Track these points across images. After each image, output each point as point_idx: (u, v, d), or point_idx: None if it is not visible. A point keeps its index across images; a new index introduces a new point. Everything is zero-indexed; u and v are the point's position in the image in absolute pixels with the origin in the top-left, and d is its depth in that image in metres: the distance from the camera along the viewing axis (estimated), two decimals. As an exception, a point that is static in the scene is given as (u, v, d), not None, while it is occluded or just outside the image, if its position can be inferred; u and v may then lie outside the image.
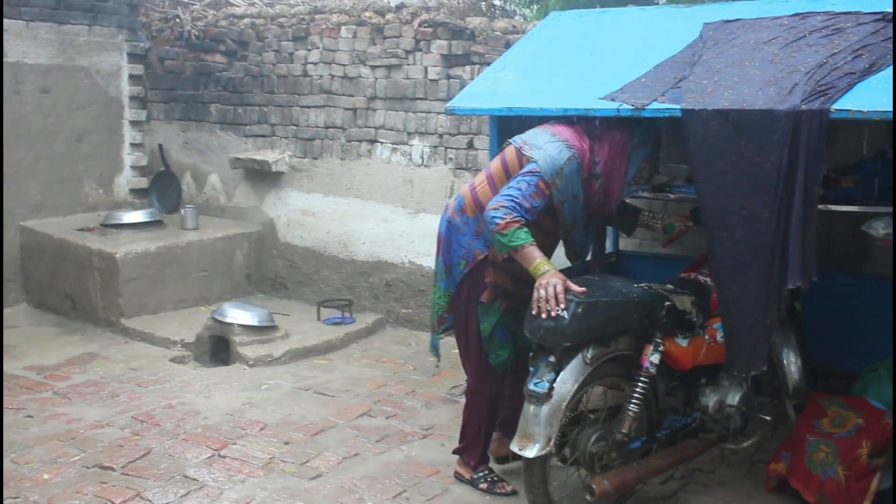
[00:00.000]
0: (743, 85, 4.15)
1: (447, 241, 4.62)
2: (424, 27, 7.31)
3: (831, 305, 5.24)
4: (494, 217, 4.09)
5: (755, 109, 3.93)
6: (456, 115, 6.59)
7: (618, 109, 4.29)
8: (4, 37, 7.93)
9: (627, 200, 5.10)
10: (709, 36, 4.76)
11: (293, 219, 8.34)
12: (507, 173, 4.36)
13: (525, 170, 4.22)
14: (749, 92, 4.07)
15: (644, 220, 5.00)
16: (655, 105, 4.23)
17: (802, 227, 3.87)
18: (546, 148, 4.25)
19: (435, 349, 4.98)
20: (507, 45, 6.72)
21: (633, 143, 4.39)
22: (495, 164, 4.49)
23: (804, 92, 3.96)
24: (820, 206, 4.10)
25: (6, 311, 7.95)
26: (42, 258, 8.04)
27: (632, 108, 4.26)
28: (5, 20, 7.92)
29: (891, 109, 3.66)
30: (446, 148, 7.32)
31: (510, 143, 4.43)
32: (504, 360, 4.62)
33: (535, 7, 11.78)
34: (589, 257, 5.24)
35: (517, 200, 4.11)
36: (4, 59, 7.93)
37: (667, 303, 4.23)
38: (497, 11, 11.10)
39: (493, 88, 5.00)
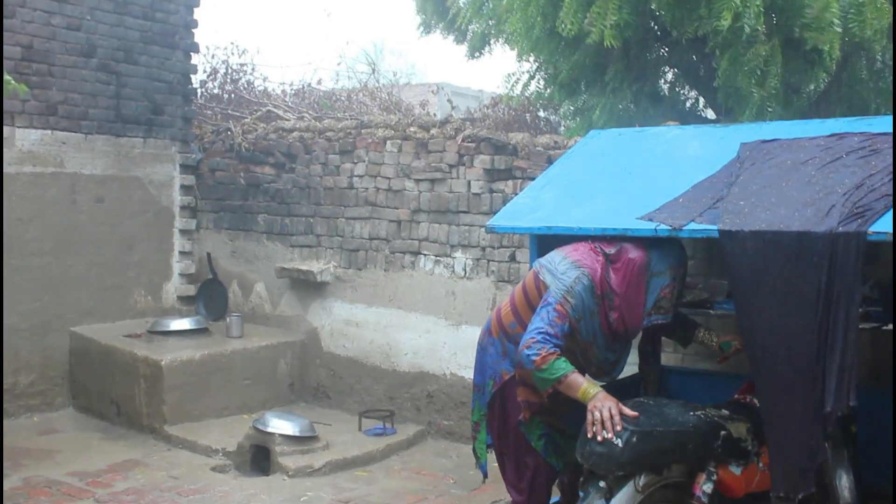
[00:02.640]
0: (780, 206, 4.19)
1: (478, 361, 4.71)
2: (468, 142, 7.47)
3: (882, 422, 5.15)
4: (530, 356, 4.13)
5: (792, 231, 3.96)
6: (496, 233, 6.67)
7: (655, 230, 4.34)
8: (63, 149, 8.22)
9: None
10: (746, 156, 4.83)
11: (337, 328, 8.42)
12: (527, 297, 4.46)
13: (543, 299, 4.30)
14: (786, 213, 4.11)
15: (700, 337, 5.00)
16: (693, 225, 4.28)
17: (842, 349, 3.86)
18: (557, 271, 4.34)
19: (482, 470, 4.99)
20: (549, 160, 6.84)
21: (652, 271, 4.38)
22: (518, 287, 4.60)
23: (841, 214, 4.00)
24: (865, 325, 4.09)
25: (53, 415, 8.08)
26: (89, 363, 8.18)
27: (669, 228, 4.31)
28: (65, 133, 8.23)
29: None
30: (489, 261, 7.40)
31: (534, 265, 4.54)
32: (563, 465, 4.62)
33: (579, 119, 11.95)
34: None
35: (545, 331, 4.15)
36: (63, 170, 8.22)
37: (722, 432, 4.19)
38: (541, 123, 11.31)
39: (533, 206, 5.08)
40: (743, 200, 4.35)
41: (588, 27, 7.33)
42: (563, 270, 4.33)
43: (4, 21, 7.75)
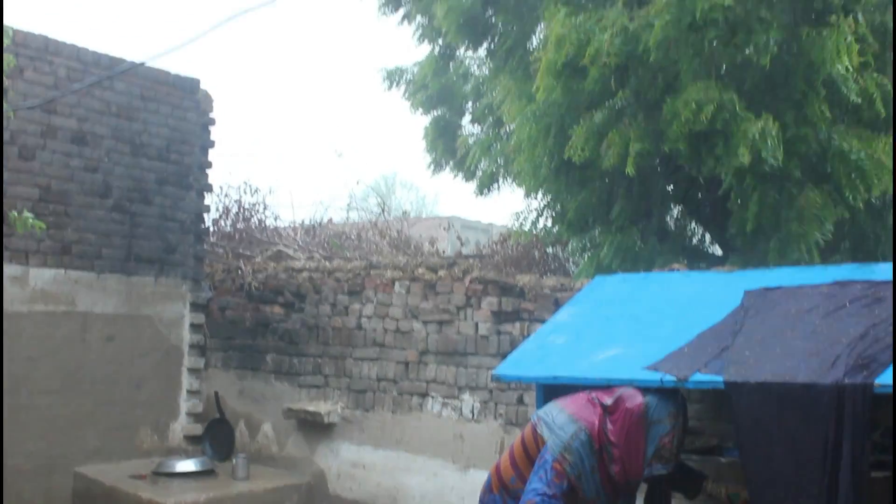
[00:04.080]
0: (785, 357, 4.20)
1: None
2: (475, 284, 7.52)
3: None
4: None
5: (798, 383, 3.96)
6: (503, 381, 6.66)
7: (661, 380, 4.34)
8: (76, 288, 8.30)
9: (691, 465, 5.04)
10: (750, 304, 4.86)
11: (344, 470, 8.33)
12: (526, 451, 4.45)
13: (540, 455, 4.27)
14: (791, 364, 4.11)
15: (708, 488, 4.92)
16: (698, 376, 4.28)
17: (851, 502, 3.80)
18: (554, 425, 4.32)
19: None
20: (557, 303, 6.87)
21: (651, 419, 4.32)
22: (517, 440, 4.57)
23: (846, 365, 4.00)
24: (878, 474, 4.04)
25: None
26: (93, 506, 8.07)
27: (675, 379, 4.31)
28: (78, 272, 8.32)
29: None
30: (496, 403, 7.36)
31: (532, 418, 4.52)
32: None
33: (587, 256, 12.05)
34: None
35: (543, 492, 4.13)
36: (74, 309, 8.29)
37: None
38: (550, 259, 11.41)
39: (539, 354, 5.10)
40: (748, 350, 4.36)
41: (604, 152, 7.47)
42: (561, 425, 4.31)
43: (25, 163, 7.94)
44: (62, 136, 8.25)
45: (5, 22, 7.16)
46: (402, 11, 11.49)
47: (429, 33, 11.54)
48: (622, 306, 5.42)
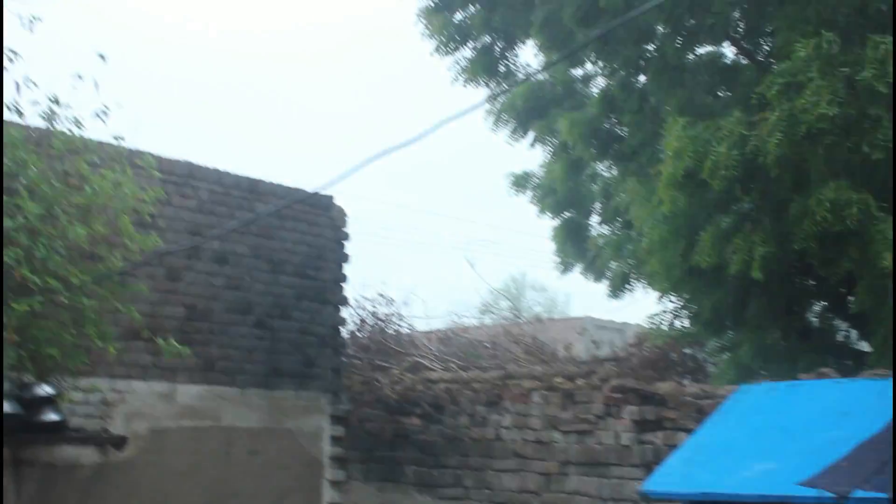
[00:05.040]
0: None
1: None
2: (615, 393, 7.41)
3: None
4: None
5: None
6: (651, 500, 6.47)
7: (819, 497, 4.15)
8: (220, 403, 8.50)
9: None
10: (911, 413, 4.63)
11: (486, 584, 8.20)
12: None
13: None
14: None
15: None
16: (860, 493, 4.08)
17: None
18: None
19: None
20: (699, 411, 6.71)
21: None
22: None
23: None
24: None
25: None
26: None
27: (834, 495, 4.12)
28: (222, 387, 8.53)
29: None
30: (642, 514, 7.16)
31: None
32: None
33: (726, 356, 11.74)
34: None
35: None
36: (219, 424, 8.46)
37: None
38: (688, 360, 11.14)
39: (686, 469, 4.96)
40: (911, 464, 4.14)
41: (729, 258, 7.35)
42: None
43: (172, 283, 8.25)
44: (206, 256, 8.55)
45: (153, 150, 7.58)
46: (530, 136, 11.74)
47: (557, 148, 11.71)
48: (770, 417, 5.24)
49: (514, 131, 11.91)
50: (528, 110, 11.75)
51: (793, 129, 6.79)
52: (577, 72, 11.86)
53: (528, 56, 11.76)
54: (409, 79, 66.95)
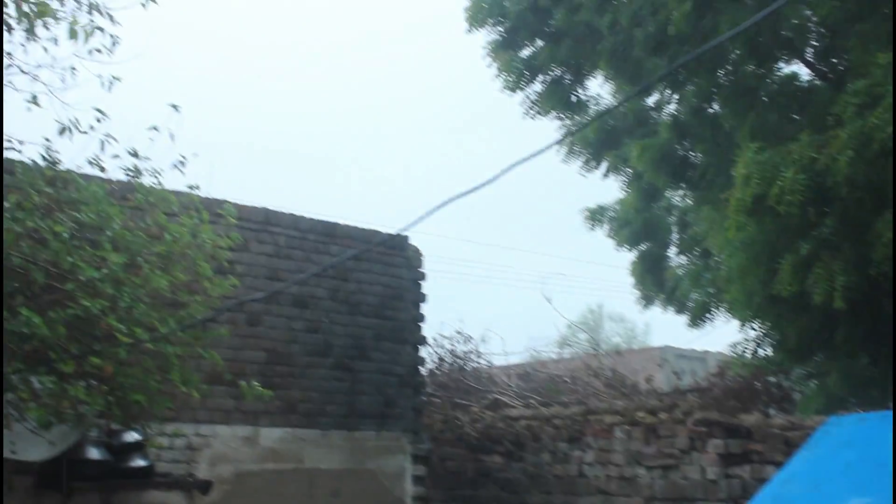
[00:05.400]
0: None
1: None
2: (699, 426, 7.28)
3: None
4: None
5: None
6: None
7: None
8: (302, 445, 8.56)
9: None
10: None
11: None
12: None
13: None
14: None
15: None
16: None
17: None
18: None
19: None
20: (787, 443, 6.56)
21: None
22: None
23: None
24: None
25: None
26: None
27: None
28: (304, 430, 8.59)
29: None
30: (733, 553, 7.01)
31: None
32: None
33: (813, 384, 11.47)
34: None
35: None
36: (301, 465, 8.52)
37: None
38: (773, 388, 10.90)
39: (776, 505, 4.83)
40: None
41: (811, 287, 7.19)
42: None
43: (252, 328, 8.36)
44: (284, 300, 8.66)
45: (232, 199, 7.72)
46: (604, 166, 11.68)
47: (630, 178, 11.64)
48: (863, 450, 5.07)
49: (586, 162, 11.88)
50: (600, 141, 11.72)
51: (865, 146, 6.64)
52: (649, 98, 11.80)
53: (598, 85, 11.72)
54: (477, 110, 67.34)
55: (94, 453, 6.39)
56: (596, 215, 12.83)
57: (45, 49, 5.84)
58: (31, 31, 5.64)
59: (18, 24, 5.57)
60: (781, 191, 6.98)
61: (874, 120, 6.59)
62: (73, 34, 5.81)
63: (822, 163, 6.92)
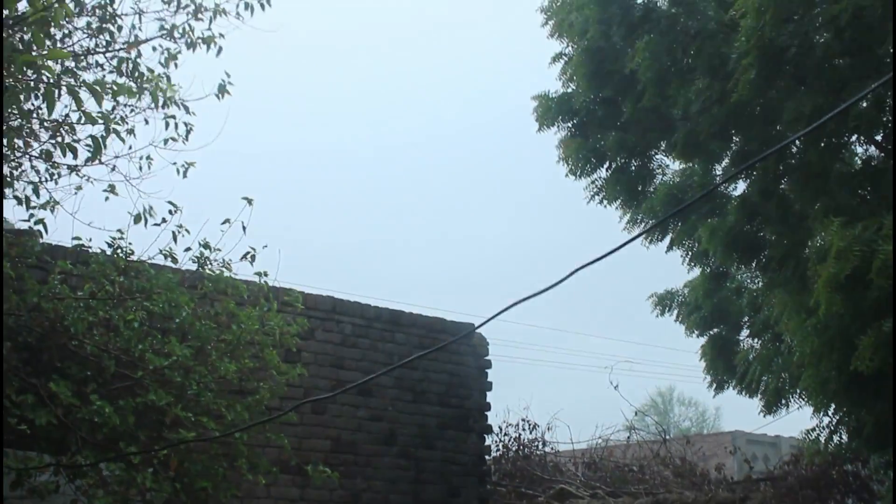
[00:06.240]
0: None
1: None
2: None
3: None
4: None
5: None
6: None
7: None
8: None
9: None
10: None
11: None
12: None
13: None
14: None
15: None
16: None
17: None
18: None
19: None
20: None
21: None
22: None
23: None
24: None
25: None
26: None
27: None
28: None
29: None
30: None
31: None
32: None
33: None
34: None
35: None
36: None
37: None
38: (849, 477, 10.58)
39: None
40: None
41: (891, 369, 7.01)
42: None
43: (317, 416, 8.36)
44: (349, 389, 8.65)
45: (301, 288, 7.81)
46: (668, 239, 11.54)
47: (697, 257, 11.50)
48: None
49: (649, 234, 11.74)
50: (665, 213, 11.59)
51: None
52: (716, 171, 11.72)
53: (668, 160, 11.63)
54: (540, 192, 67.64)
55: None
56: (664, 300, 12.67)
57: (123, 140, 6.08)
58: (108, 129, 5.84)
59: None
60: (884, 264, 6.86)
61: None
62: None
63: None
